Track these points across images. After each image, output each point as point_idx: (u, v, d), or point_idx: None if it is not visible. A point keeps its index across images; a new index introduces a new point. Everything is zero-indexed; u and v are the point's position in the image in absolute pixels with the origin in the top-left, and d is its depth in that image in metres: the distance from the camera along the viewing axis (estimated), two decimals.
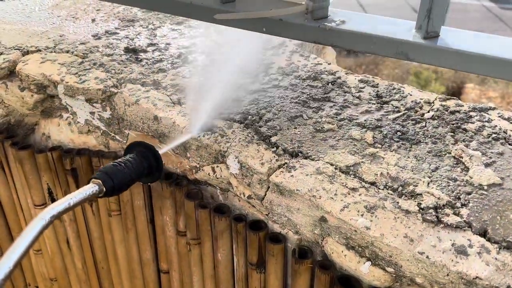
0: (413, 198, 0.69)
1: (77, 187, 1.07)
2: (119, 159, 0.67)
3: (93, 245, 1.14)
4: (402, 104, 0.89)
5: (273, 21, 0.76)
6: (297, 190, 0.72)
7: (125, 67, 1.04)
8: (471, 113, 0.86)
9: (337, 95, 0.93)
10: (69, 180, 1.06)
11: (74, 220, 1.13)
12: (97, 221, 1.09)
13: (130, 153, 0.70)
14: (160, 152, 0.71)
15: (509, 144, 0.78)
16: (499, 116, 0.85)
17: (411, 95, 0.92)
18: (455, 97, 0.90)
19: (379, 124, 0.84)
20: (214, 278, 0.92)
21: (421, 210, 0.67)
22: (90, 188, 0.62)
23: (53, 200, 1.11)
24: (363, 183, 0.72)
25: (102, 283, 1.20)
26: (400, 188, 0.71)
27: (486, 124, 0.83)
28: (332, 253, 0.73)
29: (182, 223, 0.93)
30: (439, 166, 0.74)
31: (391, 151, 0.78)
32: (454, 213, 0.66)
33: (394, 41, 0.67)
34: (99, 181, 0.63)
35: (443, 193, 0.69)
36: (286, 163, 0.77)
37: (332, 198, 0.70)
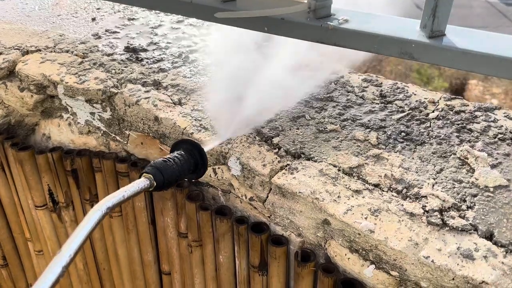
0: (417, 201, 0.67)
1: (78, 188, 1.06)
2: (168, 156, 0.69)
3: (94, 246, 1.13)
4: (406, 104, 0.88)
5: (274, 20, 0.75)
6: (299, 192, 0.71)
7: (125, 67, 1.02)
8: (477, 113, 0.84)
9: (340, 94, 0.92)
10: (69, 181, 1.06)
11: (75, 220, 1.12)
12: None
13: (177, 150, 0.71)
14: (206, 149, 0.72)
15: None
16: (505, 116, 0.83)
17: (415, 94, 0.91)
18: (460, 97, 0.89)
19: (383, 125, 0.82)
20: (216, 280, 0.91)
21: (426, 213, 0.65)
22: (142, 182, 0.63)
23: (53, 201, 1.10)
24: (366, 185, 0.71)
25: (103, 284, 1.19)
26: (405, 190, 0.69)
27: (492, 124, 0.81)
28: (336, 256, 0.72)
29: (183, 225, 0.92)
30: (444, 168, 0.73)
31: (395, 152, 0.76)
32: (460, 216, 0.65)
33: (398, 40, 0.66)
34: (150, 175, 0.64)
35: (448, 195, 0.68)
36: (288, 164, 0.76)
37: (335, 200, 0.69)
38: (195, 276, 0.94)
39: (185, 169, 0.69)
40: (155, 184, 0.64)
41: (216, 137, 0.81)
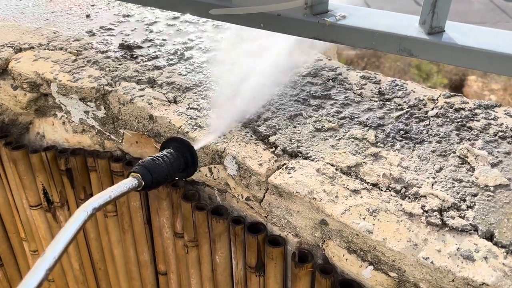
0: (417, 200, 0.66)
1: (73, 187, 1.05)
2: (157, 154, 0.67)
3: (90, 246, 1.12)
4: (405, 102, 0.86)
5: (270, 17, 0.74)
6: (296, 192, 0.70)
7: (119, 65, 1.01)
8: (477, 110, 0.83)
9: (338, 92, 0.91)
10: (64, 181, 1.04)
11: None
12: (93, 222, 1.07)
13: (167, 149, 0.69)
14: (196, 147, 0.70)
15: None
16: (506, 114, 0.82)
17: (414, 91, 0.89)
18: (459, 94, 0.87)
19: (382, 123, 0.81)
20: (213, 281, 0.90)
21: (425, 213, 0.64)
22: (129, 182, 0.61)
23: (48, 200, 1.09)
24: (365, 184, 0.70)
25: (99, 284, 1.18)
26: (403, 190, 0.68)
27: (492, 122, 0.80)
28: (333, 256, 0.70)
29: (179, 225, 0.91)
30: (443, 167, 0.72)
31: (394, 151, 0.75)
32: (460, 216, 0.63)
33: (396, 37, 0.65)
34: (138, 175, 0.62)
35: (448, 194, 0.66)
36: (285, 163, 0.75)
37: (333, 200, 0.68)
38: (191, 277, 0.93)
39: (175, 167, 0.68)
40: (143, 183, 0.62)
41: (209, 134, 0.80)
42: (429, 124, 0.81)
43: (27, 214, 1.15)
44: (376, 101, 0.87)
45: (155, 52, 1.06)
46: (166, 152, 0.68)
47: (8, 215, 1.20)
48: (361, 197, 0.68)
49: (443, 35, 0.63)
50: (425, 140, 0.77)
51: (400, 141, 0.77)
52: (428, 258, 0.59)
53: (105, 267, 1.14)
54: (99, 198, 0.57)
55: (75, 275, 1.19)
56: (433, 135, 0.78)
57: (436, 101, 0.86)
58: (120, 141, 0.97)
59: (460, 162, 0.72)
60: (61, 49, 1.08)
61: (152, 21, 1.21)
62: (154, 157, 0.66)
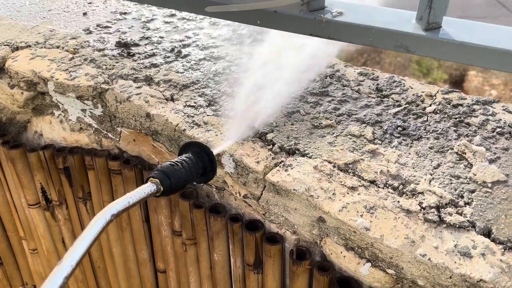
0: (414, 197, 0.66)
1: (71, 186, 1.05)
2: (176, 159, 0.67)
3: None
4: (403, 98, 0.86)
5: (267, 13, 0.73)
6: (294, 189, 0.69)
7: (116, 62, 1.00)
8: (475, 106, 0.83)
9: (335, 89, 0.90)
10: (62, 179, 1.04)
11: (69, 219, 1.11)
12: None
13: (185, 153, 0.69)
14: (214, 152, 0.70)
15: None
16: (504, 109, 0.82)
17: (412, 88, 0.89)
18: (457, 90, 0.87)
19: (379, 119, 0.81)
20: (211, 279, 0.90)
21: (422, 210, 0.64)
22: (148, 187, 0.60)
23: (46, 199, 1.09)
24: (362, 181, 0.69)
25: (99, 282, 1.18)
26: (401, 187, 0.68)
27: (490, 117, 0.79)
28: (331, 254, 0.70)
29: (178, 223, 0.90)
30: (441, 163, 0.71)
31: (392, 148, 0.75)
32: (457, 213, 0.63)
33: (393, 33, 0.64)
34: (157, 180, 0.62)
35: (445, 191, 0.66)
36: (282, 161, 0.74)
37: (330, 197, 0.67)
38: (190, 274, 0.93)
39: (194, 172, 0.67)
40: (162, 189, 0.62)
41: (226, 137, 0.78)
42: (427, 121, 0.80)
43: (25, 213, 1.15)
44: (374, 98, 0.87)
45: (152, 49, 1.05)
46: (185, 157, 0.67)
47: (7, 214, 1.20)
48: (358, 194, 0.67)
49: (440, 31, 0.63)
50: (423, 136, 0.77)
51: (398, 137, 0.77)
52: (426, 255, 0.59)
53: (104, 266, 1.14)
54: (118, 204, 0.55)
55: (74, 273, 1.19)
56: (430, 131, 0.78)
57: (434, 97, 0.86)
58: (117, 139, 0.97)
59: (458, 159, 0.72)
60: (58, 47, 1.08)
61: (149, 19, 1.21)
62: (173, 162, 0.65)
